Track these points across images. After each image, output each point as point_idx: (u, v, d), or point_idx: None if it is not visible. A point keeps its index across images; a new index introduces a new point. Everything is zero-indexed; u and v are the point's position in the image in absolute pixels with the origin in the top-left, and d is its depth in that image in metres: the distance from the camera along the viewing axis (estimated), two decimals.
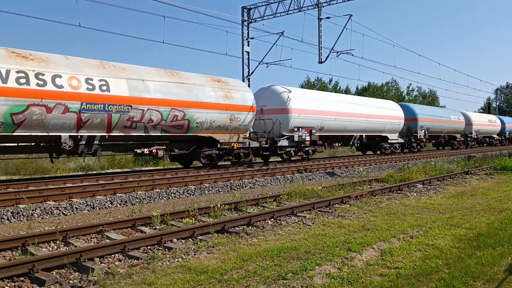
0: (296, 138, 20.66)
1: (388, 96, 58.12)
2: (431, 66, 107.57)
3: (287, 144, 20.68)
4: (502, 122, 49.52)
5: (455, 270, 5.19)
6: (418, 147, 32.39)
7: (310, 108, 21.57)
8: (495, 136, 47.32)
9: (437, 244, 6.42)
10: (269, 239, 6.87)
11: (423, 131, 31.56)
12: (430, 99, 72.48)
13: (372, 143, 27.90)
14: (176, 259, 5.85)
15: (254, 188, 14.34)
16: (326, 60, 23.17)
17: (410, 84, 74.87)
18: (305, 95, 22.61)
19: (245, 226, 8.01)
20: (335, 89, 56.34)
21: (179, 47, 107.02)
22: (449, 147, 39.44)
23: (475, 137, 40.81)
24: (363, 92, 57.64)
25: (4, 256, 6.28)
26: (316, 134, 21.90)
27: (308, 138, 21.19)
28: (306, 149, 21.94)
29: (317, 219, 8.57)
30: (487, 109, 69.01)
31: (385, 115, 27.54)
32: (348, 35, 32.79)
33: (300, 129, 20.83)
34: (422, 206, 9.91)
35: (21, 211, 9.30)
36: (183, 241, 7.02)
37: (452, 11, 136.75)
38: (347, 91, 58.26)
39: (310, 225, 7.96)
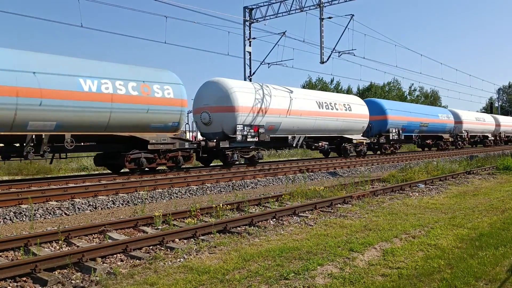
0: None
1: (389, 96, 57.97)
2: (433, 66, 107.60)
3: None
4: (380, 112, 28.03)
5: (457, 270, 5.18)
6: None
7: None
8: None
9: (439, 244, 6.41)
10: (271, 239, 6.87)
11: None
12: (432, 99, 72.34)
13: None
14: (178, 259, 5.86)
15: (256, 188, 14.34)
16: (327, 60, 23.05)
17: (412, 84, 74.70)
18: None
19: (247, 226, 8.01)
20: (337, 90, 56.23)
21: (181, 47, 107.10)
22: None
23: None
24: (365, 92, 57.50)
25: (7, 256, 6.29)
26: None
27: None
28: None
29: (319, 219, 8.56)
30: (489, 109, 68.75)
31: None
32: (350, 35, 32.82)
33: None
34: (424, 206, 9.89)
35: (23, 211, 9.33)
36: (185, 241, 7.03)
37: (454, 11, 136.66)
38: (348, 91, 58.15)
39: (312, 225, 7.96)
